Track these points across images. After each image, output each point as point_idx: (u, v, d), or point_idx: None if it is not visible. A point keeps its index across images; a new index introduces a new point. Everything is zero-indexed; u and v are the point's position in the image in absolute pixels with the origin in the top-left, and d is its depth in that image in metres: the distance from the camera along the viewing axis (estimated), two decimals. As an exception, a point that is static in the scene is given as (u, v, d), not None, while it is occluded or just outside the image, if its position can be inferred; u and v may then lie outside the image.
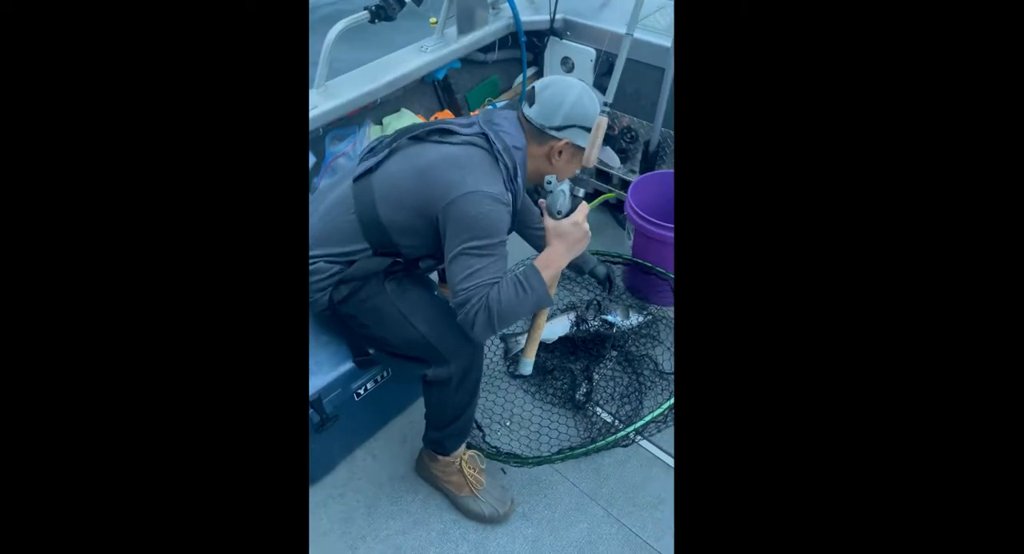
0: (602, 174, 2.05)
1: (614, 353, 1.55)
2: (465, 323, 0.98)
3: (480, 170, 0.99)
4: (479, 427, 1.37)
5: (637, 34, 1.81)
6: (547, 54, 1.98)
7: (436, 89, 1.87)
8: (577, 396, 1.46)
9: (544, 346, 1.62)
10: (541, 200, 1.16)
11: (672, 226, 1.51)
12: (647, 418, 1.29)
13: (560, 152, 1.08)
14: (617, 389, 1.48)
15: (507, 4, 1.86)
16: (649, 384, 1.49)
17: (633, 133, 1.92)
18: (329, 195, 1.10)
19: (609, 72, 1.92)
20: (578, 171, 1.15)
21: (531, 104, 1.05)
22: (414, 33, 1.81)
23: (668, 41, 1.63)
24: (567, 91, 1.05)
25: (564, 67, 1.95)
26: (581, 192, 1.14)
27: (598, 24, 1.84)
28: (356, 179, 1.06)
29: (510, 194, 1.02)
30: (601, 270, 1.58)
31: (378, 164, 1.04)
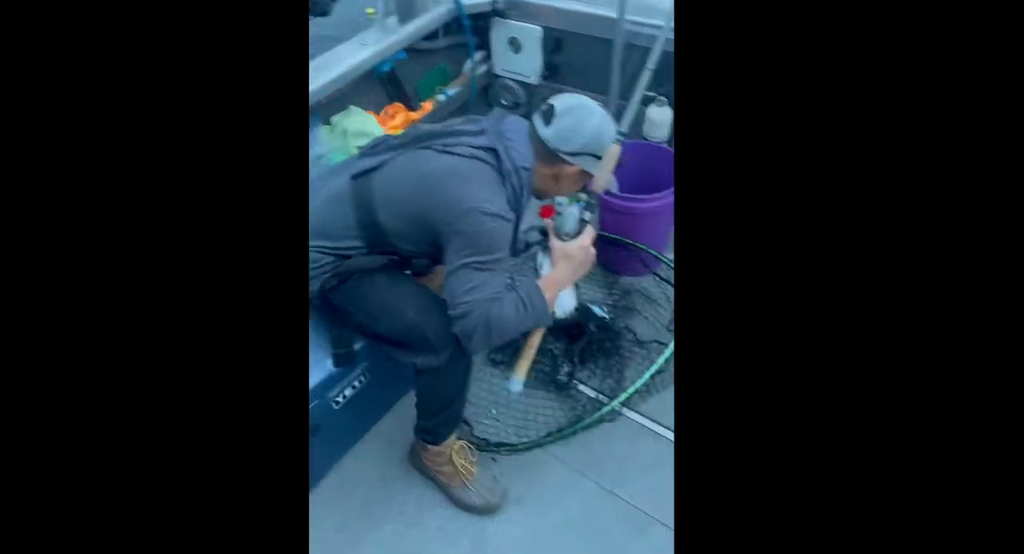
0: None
1: (594, 329, 1.56)
2: (463, 335, 0.99)
3: (485, 186, 0.98)
4: (466, 422, 1.36)
5: (580, 7, 1.79)
6: (493, 36, 1.95)
7: (383, 82, 1.82)
8: (559, 376, 1.47)
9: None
10: (548, 221, 1.16)
11: (637, 197, 1.51)
12: (630, 390, 1.30)
13: (568, 175, 1.07)
14: (598, 364, 1.49)
15: (447, -12, 1.82)
16: (629, 355, 1.50)
17: (588, 108, 1.91)
18: (323, 188, 1.08)
19: (557, 49, 1.91)
20: (584, 194, 1.15)
21: (547, 123, 1.03)
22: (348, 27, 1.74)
23: (613, 12, 1.61)
24: (587, 119, 1.03)
25: (512, 48, 1.93)
26: (589, 216, 1.14)
27: (541, 0, 1.81)
28: (355, 176, 1.04)
29: (512, 214, 1.02)
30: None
31: (380, 165, 1.03)
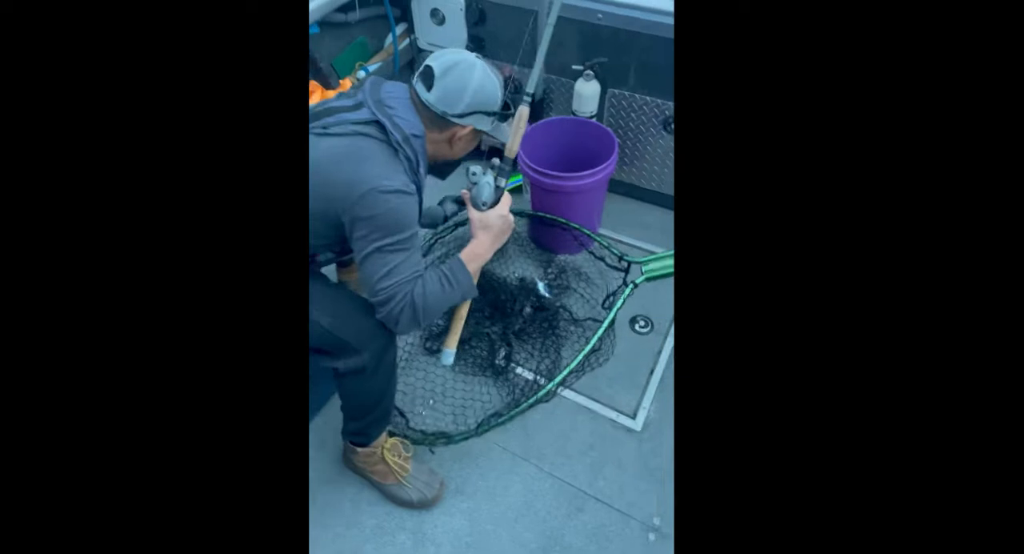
0: (494, 130, 1.98)
1: (528, 310, 1.54)
2: (388, 320, 0.94)
3: (377, 162, 0.91)
4: (401, 414, 1.33)
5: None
6: (414, 7, 1.84)
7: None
8: (497, 361, 1.45)
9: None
10: (464, 191, 1.13)
11: (565, 175, 1.48)
12: (564, 371, 1.29)
13: (462, 136, 1.02)
14: (535, 345, 1.48)
15: (359, -45, 1.70)
16: (565, 334, 1.50)
17: (517, 82, 1.85)
18: None
19: (481, 21, 1.82)
20: (498, 161, 1.11)
21: (428, 88, 0.96)
22: None
23: (534, -20, 1.55)
24: (468, 75, 0.96)
25: (434, 19, 1.83)
26: (503, 182, 1.10)
27: (460, -31, 1.71)
28: None
29: (414, 185, 0.96)
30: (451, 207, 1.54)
31: None
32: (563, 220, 1.59)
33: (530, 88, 1.08)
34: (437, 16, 1.82)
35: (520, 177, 1.91)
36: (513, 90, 1.89)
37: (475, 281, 1.05)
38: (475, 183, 1.10)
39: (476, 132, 1.03)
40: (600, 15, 1.54)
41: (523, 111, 1.05)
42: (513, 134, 1.06)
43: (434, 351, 1.49)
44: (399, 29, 1.89)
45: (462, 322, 1.15)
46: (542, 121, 1.66)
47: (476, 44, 1.83)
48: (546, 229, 1.64)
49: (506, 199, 1.08)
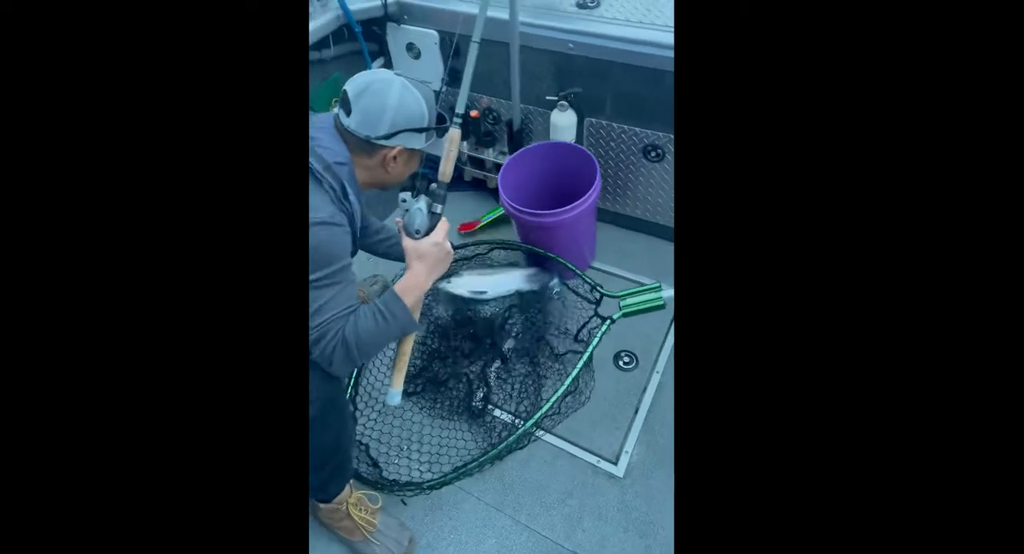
0: (475, 160, 1.96)
1: (511, 345, 1.49)
2: (322, 359, 0.89)
3: None
4: (375, 463, 1.28)
5: (472, 8, 1.70)
6: (390, 42, 1.84)
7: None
8: (474, 403, 1.40)
9: (437, 354, 1.54)
10: (397, 219, 1.07)
11: (541, 212, 1.43)
12: (536, 415, 1.24)
13: (395, 158, 0.98)
14: (515, 385, 1.43)
15: (332, -7, 1.70)
16: (545, 372, 1.44)
17: (495, 114, 1.83)
18: None
19: (458, 54, 1.81)
20: (434, 185, 1.06)
21: (348, 113, 0.93)
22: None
23: (505, 14, 1.53)
24: (385, 94, 0.93)
25: (410, 53, 1.82)
26: (439, 208, 1.05)
27: (434, 4, 1.71)
28: None
29: (343, 215, 0.92)
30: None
31: None
32: (540, 250, 1.55)
33: (459, 108, 1.04)
34: (413, 50, 1.81)
35: (499, 210, 1.88)
36: (493, 121, 1.87)
37: (417, 313, 1.01)
38: (406, 210, 1.03)
39: (411, 152, 0.99)
40: (571, 45, 1.52)
41: (453, 134, 1.00)
42: (444, 158, 1.01)
43: (410, 393, 1.44)
44: (376, 63, 1.89)
45: (407, 358, 1.10)
46: (520, 151, 1.63)
47: (454, 77, 1.81)
48: (534, 257, 1.60)
49: (442, 226, 1.02)
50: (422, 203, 1.02)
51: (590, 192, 1.45)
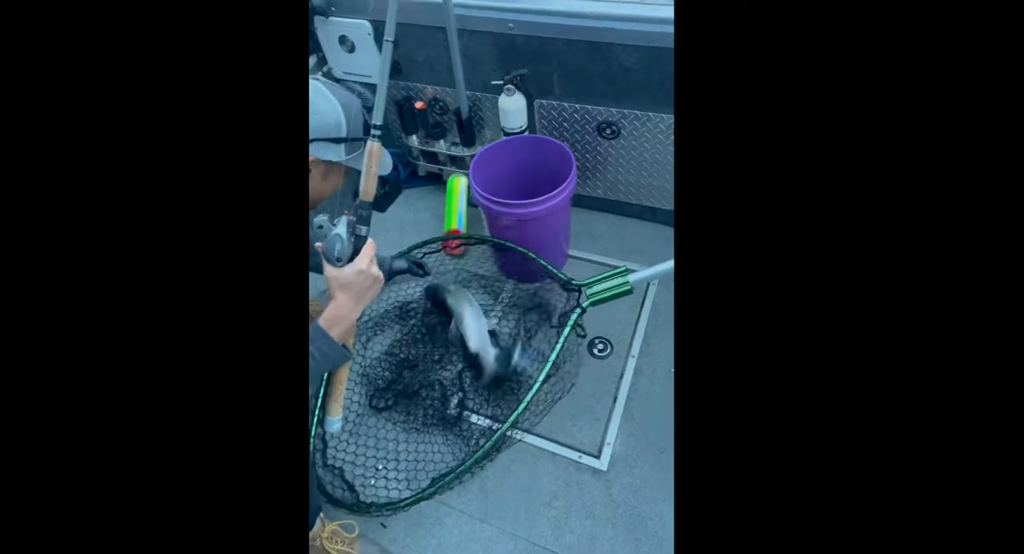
0: (427, 154, 1.87)
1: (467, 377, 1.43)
2: None
3: None
4: (351, 488, 1.22)
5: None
6: (321, 36, 1.72)
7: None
8: (449, 410, 1.34)
9: (406, 363, 1.48)
10: (318, 244, 0.96)
11: (515, 202, 1.36)
12: (516, 411, 1.19)
13: (312, 171, 0.91)
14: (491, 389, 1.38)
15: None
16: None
17: (442, 103, 1.74)
18: None
19: (397, 44, 1.71)
20: (358, 203, 0.95)
21: None
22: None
23: (437, -5, 1.44)
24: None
25: (344, 47, 1.71)
26: (364, 230, 0.93)
27: (361, -9, 1.60)
28: None
29: None
30: (400, 265, 1.45)
31: None
32: (510, 243, 1.48)
33: (376, 120, 0.92)
34: (346, 44, 1.70)
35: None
36: (440, 111, 1.78)
37: (350, 341, 0.95)
38: (324, 235, 0.91)
39: (328, 165, 0.92)
40: (511, 24, 1.43)
41: (372, 148, 0.90)
42: (364, 174, 0.91)
43: (381, 408, 1.38)
44: (312, 60, 1.77)
45: (342, 386, 1.03)
46: (493, 144, 1.54)
47: (393, 69, 1.71)
48: (508, 257, 1.53)
49: (367, 249, 0.91)
50: (342, 226, 0.90)
51: (568, 180, 1.38)
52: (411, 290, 1.62)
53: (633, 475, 1.22)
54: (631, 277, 1.22)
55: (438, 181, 1.96)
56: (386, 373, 1.45)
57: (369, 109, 0.97)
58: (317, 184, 0.94)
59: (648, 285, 1.59)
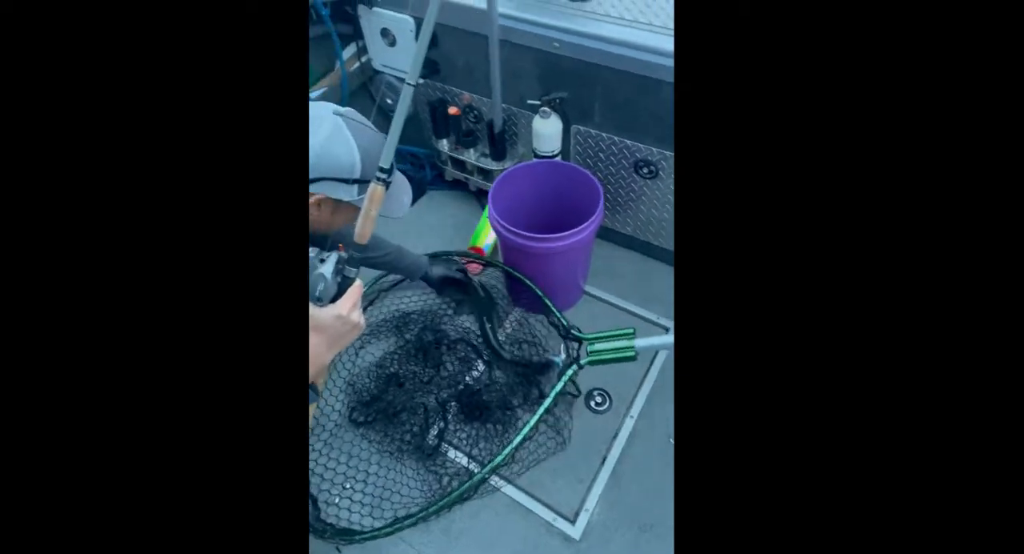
0: (456, 161, 1.79)
1: (481, 369, 1.37)
2: None
3: None
4: (314, 502, 1.19)
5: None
6: (364, 26, 1.65)
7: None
8: (428, 440, 1.29)
9: (396, 379, 1.44)
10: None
11: (532, 235, 1.27)
12: (489, 465, 1.12)
13: (318, 205, 0.88)
14: (475, 426, 1.32)
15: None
16: (511, 412, 1.33)
17: (477, 112, 1.65)
18: None
19: (434, 44, 1.61)
20: (359, 242, 0.87)
21: None
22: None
23: (482, 2, 1.34)
24: (312, 134, 0.83)
25: (385, 40, 1.64)
26: (353, 273, 0.86)
27: (408, -14, 1.51)
28: None
29: None
30: (439, 271, 1.38)
31: None
32: (519, 275, 1.41)
33: (384, 162, 0.82)
34: (388, 37, 1.63)
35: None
36: (475, 119, 1.69)
37: (321, 382, 0.90)
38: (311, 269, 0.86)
39: (338, 204, 0.89)
40: (557, 44, 1.32)
41: (375, 191, 0.82)
42: (362, 217, 0.83)
43: (360, 423, 1.35)
44: (347, 53, 1.71)
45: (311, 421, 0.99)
46: (517, 167, 1.45)
47: (430, 69, 1.63)
48: (514, 281, 1.45)
49: (352, 293, 0.84)
50: (330, 265, 0.84)
51: (593, 217, 1.28)
52: (415, 300, 1.57)
53: (607, 549, 1.14)
54: (637, 342, 1.13)
55: (464, 188, 1.88)
56: (372, 386, 1.41)
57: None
58: (326, 218, 0.91)
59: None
